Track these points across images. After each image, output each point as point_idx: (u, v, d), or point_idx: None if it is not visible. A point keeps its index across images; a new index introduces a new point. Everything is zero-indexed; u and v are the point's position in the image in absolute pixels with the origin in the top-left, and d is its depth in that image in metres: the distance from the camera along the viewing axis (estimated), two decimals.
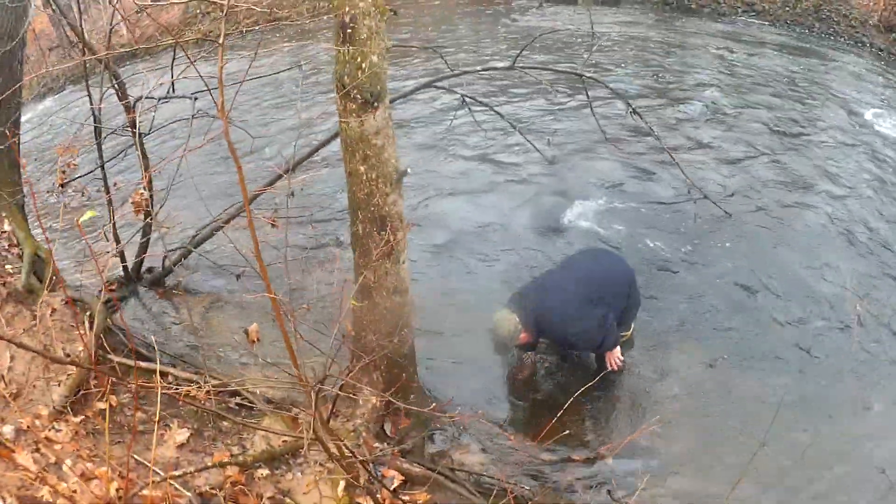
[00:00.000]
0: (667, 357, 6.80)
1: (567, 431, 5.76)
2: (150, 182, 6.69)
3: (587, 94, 8.01)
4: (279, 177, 6.92)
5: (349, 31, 4.37)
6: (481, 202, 9.06)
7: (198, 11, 18.78)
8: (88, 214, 3.06)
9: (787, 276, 7.81)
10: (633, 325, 6.63)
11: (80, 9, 8.07)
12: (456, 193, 9.33)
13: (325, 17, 16.49)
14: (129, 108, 6.22)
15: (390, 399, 5.07)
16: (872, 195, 9.43)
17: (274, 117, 11.95)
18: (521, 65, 7.25)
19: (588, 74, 7.60)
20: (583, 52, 8.69)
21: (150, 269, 7.51)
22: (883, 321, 7.30)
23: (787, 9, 17.93)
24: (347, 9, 4.30)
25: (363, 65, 4.46)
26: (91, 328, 5.49)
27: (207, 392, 5.23)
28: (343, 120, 4.70)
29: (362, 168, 4.81)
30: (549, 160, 9.57)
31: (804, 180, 9.67)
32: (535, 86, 11.95)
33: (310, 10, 18.28)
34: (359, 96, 4.54)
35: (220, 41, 3.00)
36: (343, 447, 4.15)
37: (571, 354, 6.76)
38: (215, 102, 2.95)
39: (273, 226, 7.62)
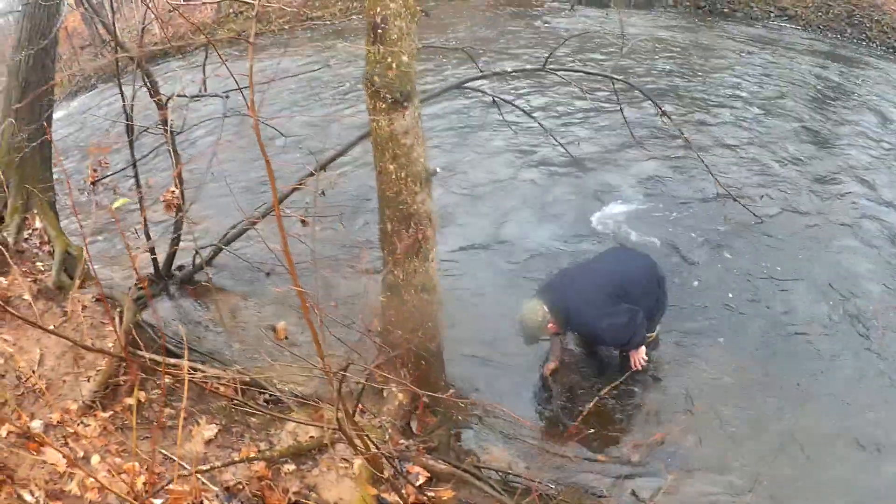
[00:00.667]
0: (693, 358, 6.80)
1: (592, 430, 5.81)
2: (181, 180, 6.76)
3: (617, 97, 8.02)
4: (310, 175, 6.98)
5: (380, 31, 4.45)
6: (509, 203, 9.10)
7: (230, 11, 18.88)
8: (121, 201, 3.13)
9: (816, 282, 7.79)
10: (658, 328, 6.62)
11: (112, 7, 8.16)
12: (484, 194, 9.38)
13: (355, 18, 16.62)
14: (161, 106, 6.30)
15: (415, 390, 5.10)
16: None
17: (307, 115, 12.00)
18: (551, 67, 7.25)
19: (619, 77, 7.60)
20: (613, 54, 8.69)
21: (180, 268, 7.58)
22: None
23: (820, 14, 17.80)
24: (379, 10, 4.38)
25: (393, 65, 4.54)
26: (121, 324, 5.57)
27: (235, 388, 5.30)
28: (373, 119, 4.76)
29: (392, 167, 4.87)
30: (578, 161, 9.58)
31: (834, 185, 9.63)
32: (565, 87, 11.97)
33: (343, 10, 18.36)
34: (388, 96, 4.60)
35: (251, 40, 3.06)
36: (368, 441, 4.20)
37: (598, 349, 6.79)
38: (246, 102, 3.00)
39: (303, 223, 7.68)
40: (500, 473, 5.49)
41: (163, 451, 4.52)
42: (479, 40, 15.61)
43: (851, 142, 10.98)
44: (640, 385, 6.49)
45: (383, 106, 4.65)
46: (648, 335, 6.31)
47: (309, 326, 3.39)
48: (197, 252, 7.21)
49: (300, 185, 6.74)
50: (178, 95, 6.54)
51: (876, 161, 10.36)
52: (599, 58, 14.07)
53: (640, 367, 6.36)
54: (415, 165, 4.90)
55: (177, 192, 6.63)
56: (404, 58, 4.55)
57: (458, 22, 17.34)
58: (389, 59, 4.52)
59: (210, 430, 4.98)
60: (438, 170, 5.16)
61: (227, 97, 6.27)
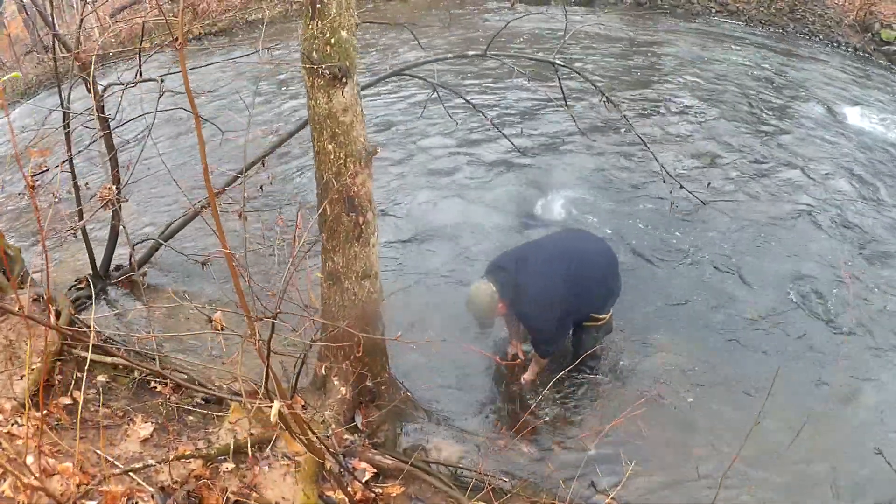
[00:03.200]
0: (645, 345, 6.83)
1: (546, 418, 5.74)
2: (117, 175, 6.60)
3: (560, 85, 7.99)
4: (252, 165, 6.85)
5: (319, 6, 4.35)
6: (453, 193, 9.06)
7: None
8: (13, 75, 2.97)
9: (763, 264, 7.93)
10: (611, 311, 6.53)
11: (52, 11, 7.96)
12: (426, 184, 9.35)
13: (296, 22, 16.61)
14: (96, 94, 6.14)
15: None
16: (848, 187, 9.56)
17: (247, 110, 11.86)
18: (493, 52, 7.18)
19: (560, 63, 7.54)
20: (555, 49, 8.72)
21: (118, 267, 7.43)
22: (862, 309, 7.40)
23: (762, 9, 18.09)
24: None
25: (332, 39, 4.45)
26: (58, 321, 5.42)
27: (172, 386, 5.16)
28: (311, 98, 4.65)
29: (330, 146, 4.76)
30: (522, 151, 9.56)
31: (779, 172, 9.80)
32: (507, 77, 12.00)
33: (281, 13, 18.31)
34: (327, 72, 4.50)
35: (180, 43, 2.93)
36: (311, 432, 4.07)
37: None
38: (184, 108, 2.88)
39: (240, 216, 7.53)
40: (451, 468, 5.40)
41: (97, 451, 4.35)
42: (421, 36, 15.56)
43: (796, 132, 11.16)
44: (594, 374, 6.46)
45: (321, 83, 4.55)
46: (601, 317, 6.19)
47: (250, 327, 3.26)
48: (134, 249, 7.05)
49: (242, 177, 6.58)
50: (114, 84, 6.38)
51: (819, 150, 10.55)
52: (542, 49, 14.12)
53: (526, 381, 6.32)
54: (354, 144, 4.78)
55: (113, 188, 6.44)
56: (343, 33, 4.46)
57: (400, 19, 17.28)
58: (328, 34, 4.42)
59: (146, 429, 4.82)
60: (379, 149, 5.04)
61: (162, 81, 6.09)
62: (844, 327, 7.18)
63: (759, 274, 7.76)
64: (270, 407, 3.19)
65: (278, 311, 3.19)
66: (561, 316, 5.81)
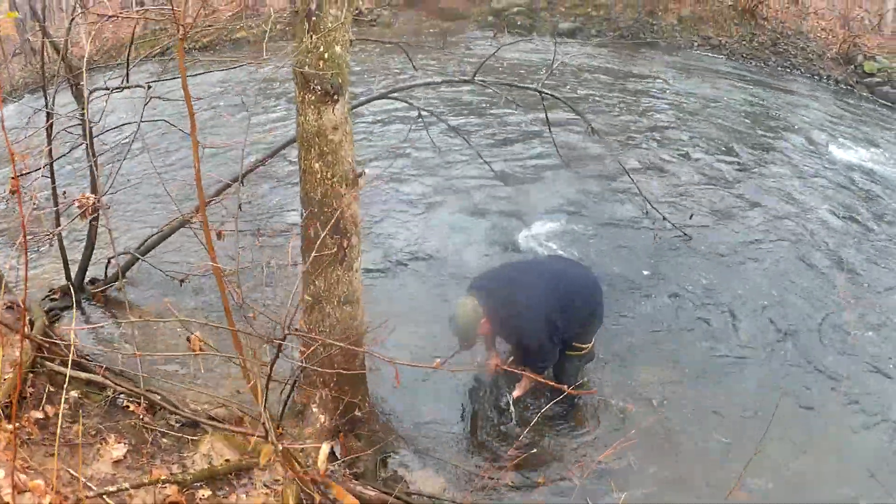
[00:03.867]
0: (631, 375, 6.78)
1: (532, 450, 5.64)
2: (95, 183, 6.49)
3: (546, 114, 7.98)
4: (235, 180, 6.74)
5: (314, 19, 4.33)
6: (433, 221, 9.01)
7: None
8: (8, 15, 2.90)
9: (747, 294, 7.96)
10: (593, 340, 6.44)
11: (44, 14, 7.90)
12: (407, 210, 9.29)
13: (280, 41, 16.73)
14: (81, 97, 6.07)
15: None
16: (830, 218, 9.65)
17: (232, 126, 11.80)
18: (480, 78, 7.16)
19: (547, 91, 7.53)
20: (541, 75, 8.76)
21: (92, 281, 7.29)
22: (835, 335, 7.51)
23: (744, 43, 18.35)
24: None
25: (325, 54, 4.42)
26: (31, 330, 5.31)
27: (147, 406, 5.04)
28: (301, 113, 4.59)
29: (317, 165, 4.69)
30: (504, 180, 9.53)
31: (760, 203, 9.92)
32: (492, 105, 12.01)
33: (264, 31, 18.39)
34: (318, 87, 4.45)
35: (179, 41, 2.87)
36: (295, 461, 3.97)
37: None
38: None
39: (218, 235, 7.41)
40: (435, 500, 5.28)
41: (70, 470, 4.22)
42: (406, 66, 15.65)
43: (777, 164, 11.32)
44: (581, 405, 6.38)
45: (312, 98, 4.50)
46: (584, 346, 6.11)
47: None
48: (110, 262, 6.92)
49: (228, 184, 6.47)
50: (99, 88, 6.29)
51: (802, 182, 10.65)
52: (527, 80, 14.16)
53: (516, 396, 6.18)
54: (342, 164, 4.72)
55: (92, 196, 6.32)
56: (337, 48, 4.43)
57: (384, 51, 17.35)
58: (321, 49, 4.38)
59: (119, 450, 4.68)
60: (366, 171, 4.97)
61: (149, 87, 6.00)
62: (833, 352, 7.23)
63: (743, 302, 7.79)
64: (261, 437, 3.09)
65: (287, 331, 3.09)
66: (550, 331, 5.70)
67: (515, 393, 6.19)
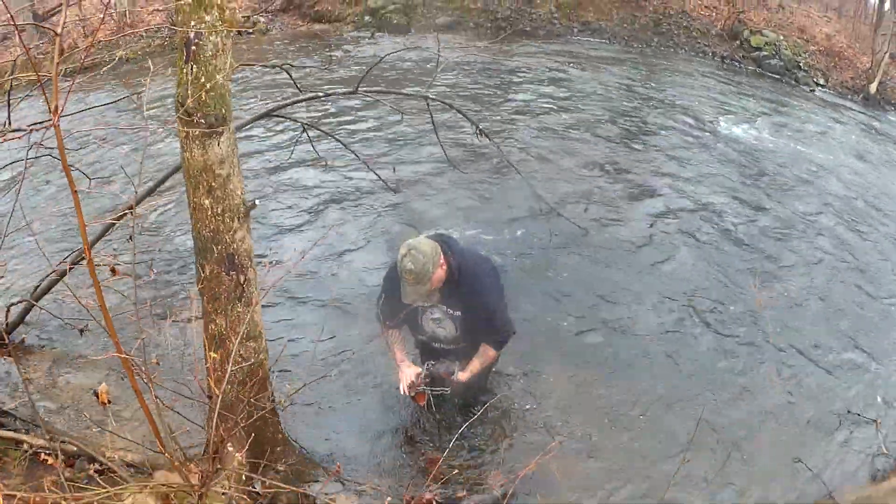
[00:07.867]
0: (539, 379, 6.92)
1: (455, 470, 5.73)
2: None
3: (432, 119, 8.10)
4: (121, 216, 6.64)
5: (193, 48, 4.28)
6: (325, 238, 8.96)
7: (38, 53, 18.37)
8: None
9: (647, 287, 8.23)
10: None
11: None
12: (296, 230, 9.30)
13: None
14: None
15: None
16: (723, 197, 10.05)
17: (118, 155, 11.54)
18: (364, 88, 7.22)
19: (433, 97, 7.65)
20: (423, 77, 8.83)
21: None
22: (731, 315, 7.85)
23: (626, 25, 18.81)
24: (193, 23, 4.21)
25: (207, 85, 4.37)
26: None
27: (64, 459, 4.97)
28: (186, 150, 4.57)
29: (207, 202, 4.68)
30: (394, 189, 9.62)
31: (651, 186, 10.33)
32: (377, 115, 12.06)
33: (144, 47, 18.10)
34: (202, 120, 4.42)
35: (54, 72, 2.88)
36: None
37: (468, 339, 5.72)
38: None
39: (113, 272, 7.30)
40: None
41: None
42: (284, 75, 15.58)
43: (666, 146, 11.70)
44: (495, 416, 6.49)
45: (196, 133, 4.47)
46: None
47: (139, 398, 3.18)
48: (8, 309, 6.76)
49: (115, 220, 6.35)
50: None
51: (692, 162, 11.04)
52: (411, 80, 14.27)
53: (459, 380, 5.71)
54: (232, 199, 4.73)
55: None
56: (219, 77, 4.40)
57: (266, 58, 17.22)
58: (203, 79, 4.35)
59: None
60: (257, 202, 5.00)
61: (31, 131, 5.87)
62: (745, 339, 7.54)
63: (641, 295, 8.07)
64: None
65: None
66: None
67: (461, 376, 5.65)
